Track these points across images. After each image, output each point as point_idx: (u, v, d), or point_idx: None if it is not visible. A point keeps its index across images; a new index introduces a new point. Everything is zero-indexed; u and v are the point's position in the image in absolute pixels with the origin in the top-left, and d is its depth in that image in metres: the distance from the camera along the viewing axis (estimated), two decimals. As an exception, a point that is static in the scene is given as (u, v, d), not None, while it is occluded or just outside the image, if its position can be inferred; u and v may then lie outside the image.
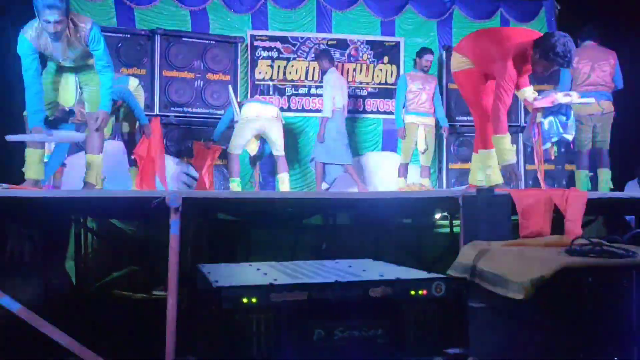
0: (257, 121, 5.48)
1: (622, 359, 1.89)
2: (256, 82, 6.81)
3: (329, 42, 7.01)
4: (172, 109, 6.19)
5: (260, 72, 6.87)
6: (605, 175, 5.34)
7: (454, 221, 5.12)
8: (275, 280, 1.75)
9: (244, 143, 5.58)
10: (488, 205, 3.25)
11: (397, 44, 7.15)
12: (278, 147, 5.59)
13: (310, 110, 6.93)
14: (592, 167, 5.52)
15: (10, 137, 3.62)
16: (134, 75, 5.71)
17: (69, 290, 4.66)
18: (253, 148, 5.74)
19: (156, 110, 6.08)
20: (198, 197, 3.53)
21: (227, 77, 6.41)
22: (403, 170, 6.11)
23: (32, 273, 3.88)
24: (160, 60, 6.11)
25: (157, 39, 6.15)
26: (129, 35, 6.11)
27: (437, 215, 5.38)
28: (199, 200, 3.42)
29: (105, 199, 3.59)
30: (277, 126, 5.56)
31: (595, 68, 5.30)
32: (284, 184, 5.55)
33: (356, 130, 7.02)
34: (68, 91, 4.09)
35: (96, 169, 4.11)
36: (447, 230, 5.38)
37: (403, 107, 5.99)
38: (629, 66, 5.55)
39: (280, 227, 5.22)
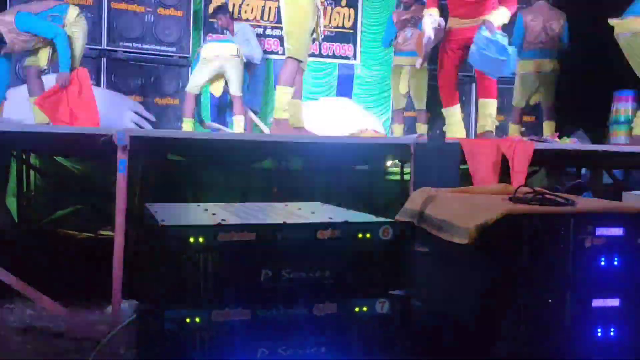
0: (215, 61, 5.41)
1: (556, 302, 1.98)
2: (209, 20, 6.58)
3: None
4: (121, 43, 5.96)
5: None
6: (549, 127, 5.60)
7: (405, 169, 5.21)
8: (224, 220, 1.75)
9: (201, 83, 5.51)
10: (439, 154, 3.37)
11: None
12: (235, 86, 5.48)
13: (266, 52, 6.79)
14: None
15: None
16: (78, 5, 5.41)
17: (10, 227, 4.55)
18: (217, 89, 5.67)
19: (103, 44, 5.87)
20: (147, 135, 3.49)
21: (180, 13, 6.19)
22: (397, 117, 6.08)
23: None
24: None
25: None
26: None
27: (389, 162, 5.45)
28: (147, 138, 3.38)
29: (49, 134, 3.54)
30: (236, 64, 5.48)
31: (546, 27, 5.51)
32: (239, 126, 5.49)
33: (310, 75, 6.89)
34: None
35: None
36: (398, 177, 5.47)
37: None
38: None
39: (231, 169, 5.23)
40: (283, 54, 4.82)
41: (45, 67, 4.55)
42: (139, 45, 6.09)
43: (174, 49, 6.15)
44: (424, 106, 5.97)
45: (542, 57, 5.55)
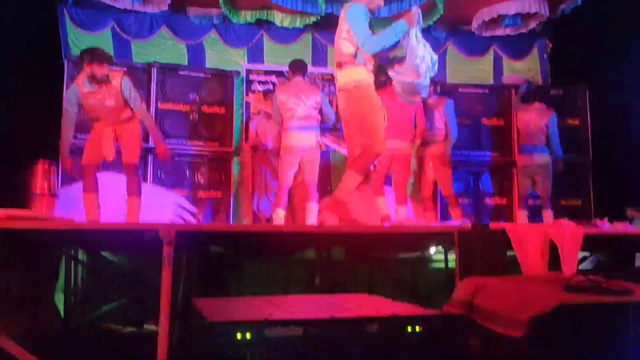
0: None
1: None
2: (251, 115, 6.81)
3: (324, 77, 7.12)
4: (167, 140, 6.15)
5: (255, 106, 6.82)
6: (548, 217, 5.93)
7: (449, 255, 5.06)
8: (270, 315, 1.73)
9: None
10: (483, 241, 3.32)
11: (392, 79, 7.21)
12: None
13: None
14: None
15: None
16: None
17: (57, 324, 4.61)
18: None
19: (151, 143, 6.02)
20: (191, 230, 3.63)
21: (223, 110, 6.47)
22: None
23: (21, 306, 3.87)
24: (156, 92, 6.17)
25: (154, 71, 6.22)
26: (125, 69, 6.05)
27: (432, 250, 5.34)
28: (192, 233, 3.49)
29: (97, 231, 3.66)
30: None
31: (539, 123, 6.09)
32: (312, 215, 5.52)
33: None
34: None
35: None
36: (443, 265, 5.33)
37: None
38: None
39: (273, 260, 5.10)
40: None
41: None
42: (184, 142, 6.36)
43: (216, 144, 6.38)
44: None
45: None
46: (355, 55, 3.90)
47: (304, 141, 5.43)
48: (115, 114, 4.79)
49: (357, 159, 4.07)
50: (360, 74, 3.92)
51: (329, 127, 6.27)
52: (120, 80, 4.75)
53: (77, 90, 4.72)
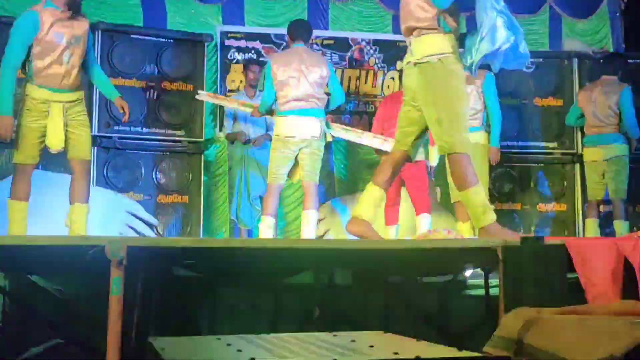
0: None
1: None
2: (227, 94, 6.84)
3: (325, 42, 7.10)
4: (115, 127, 6.23)
5: (233, 81, 6.95)
6: (621, 229, 5.95)
7: (490, 279, 4.95)
8: (253, 360, 1.74)
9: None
10: (536, 259, 3.32)
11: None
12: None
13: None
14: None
15: None
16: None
17: (-29, 370, 4.56)
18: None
19: (94, 130, 6.08)
20: (149, 246, 3.56)
21: (190, 87, 6.46)
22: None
23: None
24: (102, 63, 6.06)
25: (98, 35, 6.16)
26: None
27: (469, 272, 5.29)
28: (149, 249, 3.46)
29: (23, 247, 3.63)
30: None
31: (607, 103, 6.18)
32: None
33: (357, 157, 7.04)
34: None
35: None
36: (482, 292, 5.19)
37: None
38: None
39: (257, 286, 5.15)
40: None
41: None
42: (139, 130, 6.41)
43: (181, 132, 6.47)
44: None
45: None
46: (436, 19, 3.94)
47: (305, 129, 5.43)
48: (74, 76, 4.78)
49: (455, 171, 4.09)
50: (447, 44, 3.94)
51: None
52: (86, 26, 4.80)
53: (37, 17, 4.60)
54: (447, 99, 3.94)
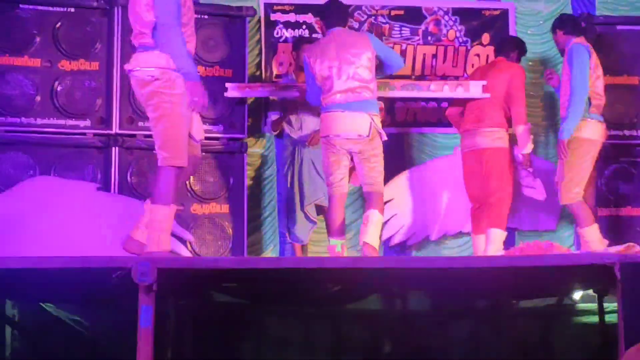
0: None
1: None
2: (274, 80, 6.61)
3: (393, 13, 6.77)
4: (140, 124, 5.83)
5: (282, 64, 6.64)
6: None
7: (605, 303, 4.71)
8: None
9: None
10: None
11: (504, 13, 6.87)
12: None
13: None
14: None
15: None
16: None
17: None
18: None
19: (115, 128, 5.80)
20: (183, 267, 3.52)
21: (229, 73, 6.09)
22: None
23: None
24: (122, 47, 5.81)
25: (117, 12, 5.86)
26: (73, 9, 5.79)
27: (576, 294, 4.96)
28: (183, 272, 3.43)
29: (33, 270, 3.57)
30: None
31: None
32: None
33: (426, 149, 6.83)
34: None
35: None
36: (596, 319, 4.89)
37: None
38: None
39: (312, 314, 5.10)
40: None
41: None
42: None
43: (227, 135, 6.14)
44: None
45: None
46: None
47: (351, 128, 5.26)
48: None
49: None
50: None
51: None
52: None
53: None
54: None
